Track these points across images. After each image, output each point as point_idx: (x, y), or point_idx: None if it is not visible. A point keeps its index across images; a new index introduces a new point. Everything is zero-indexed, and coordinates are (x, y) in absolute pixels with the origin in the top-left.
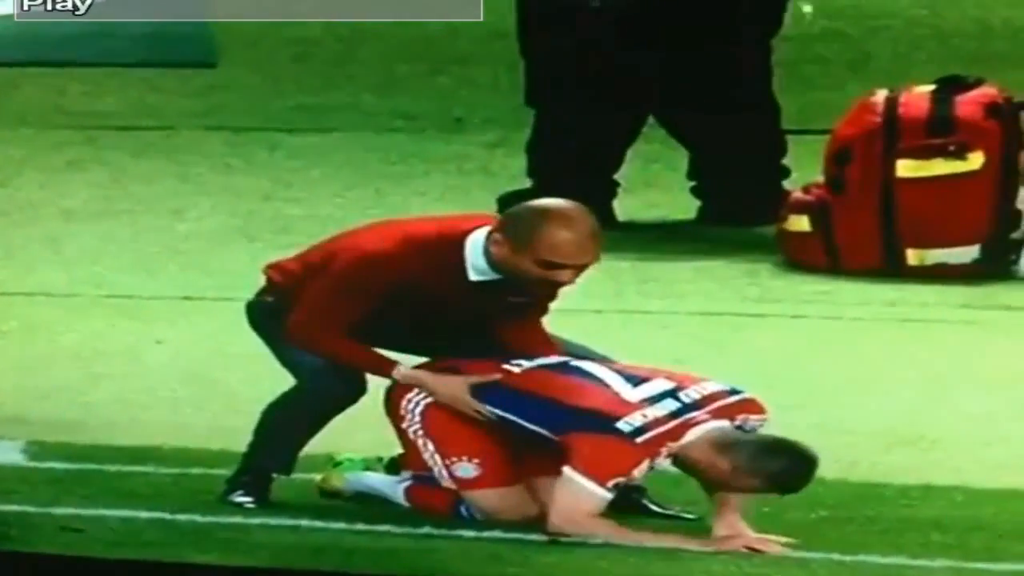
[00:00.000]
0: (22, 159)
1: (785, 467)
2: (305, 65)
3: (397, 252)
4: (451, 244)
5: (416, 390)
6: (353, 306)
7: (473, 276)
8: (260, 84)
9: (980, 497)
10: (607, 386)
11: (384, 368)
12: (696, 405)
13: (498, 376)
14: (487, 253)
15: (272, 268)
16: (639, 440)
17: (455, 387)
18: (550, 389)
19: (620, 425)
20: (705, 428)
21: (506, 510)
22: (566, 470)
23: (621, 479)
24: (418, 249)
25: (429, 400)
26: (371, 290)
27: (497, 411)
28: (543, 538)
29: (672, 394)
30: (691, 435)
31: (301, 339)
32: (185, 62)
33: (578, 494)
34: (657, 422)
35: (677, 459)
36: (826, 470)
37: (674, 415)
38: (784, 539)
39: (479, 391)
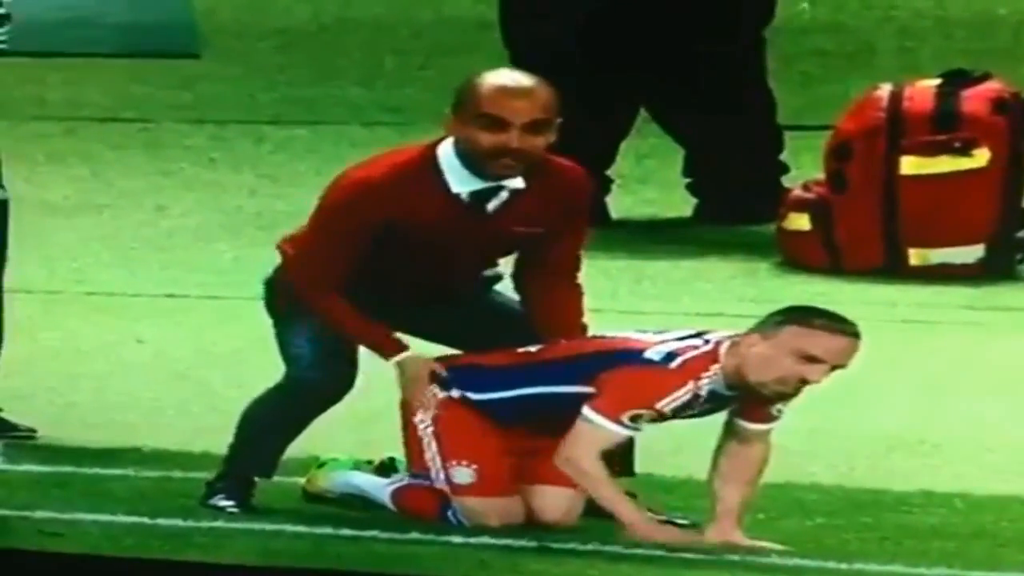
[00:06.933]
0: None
1: (828, 312)
2: (291, 56)
3: (377, 174)
4: (425, 158)
5: (434, 386)
6: (345, 240)
7: (455, 187)
8: (244, 76)
9: (982, 504)
10: (630, 337)
11: (386, 346)
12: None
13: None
14: (456, 146)
15: (286, 242)
16: (673, 365)
17: (417, 369)
18: (575, 349)
19: (649, 354)
20: (742, 340)
21: (494, 518)
22: (583, 408)
23: (641, 411)
24: (398, 170)
25: (443, 398)
26: (359, 217)
27: (515, 392)
28: (532, 544)
29: (696, 336)
30: (730, 354)
31: (303, 288)
32: (167, 52)
33: (583, 428)
34: (689, 347)
35: (727, 395)
36: (823, 475)
37: (706, 343)
38: (779, 546)
39: (488, 380)
